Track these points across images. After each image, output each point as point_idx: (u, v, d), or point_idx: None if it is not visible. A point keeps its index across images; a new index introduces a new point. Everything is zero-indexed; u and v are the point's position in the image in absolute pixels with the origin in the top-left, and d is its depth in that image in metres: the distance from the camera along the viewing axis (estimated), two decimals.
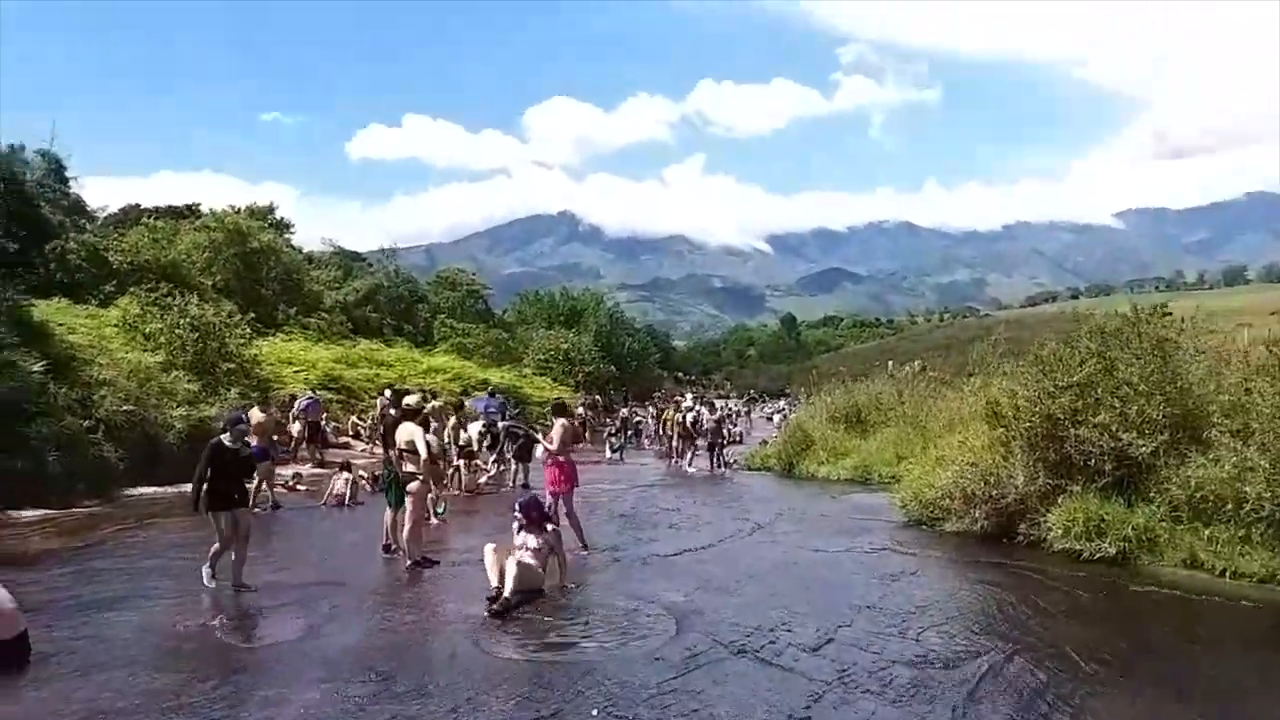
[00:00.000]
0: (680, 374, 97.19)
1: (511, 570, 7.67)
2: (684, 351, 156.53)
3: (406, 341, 42.85)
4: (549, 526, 8.48)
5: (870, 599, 7.79)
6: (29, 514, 14.31)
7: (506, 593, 7.55)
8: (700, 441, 21.17)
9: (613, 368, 50.95)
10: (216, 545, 8.72)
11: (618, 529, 12.51)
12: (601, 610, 7.77)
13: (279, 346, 32.12)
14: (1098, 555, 8.91)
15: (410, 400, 11.93)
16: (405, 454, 11.78)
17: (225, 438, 8.84)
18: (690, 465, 21.02)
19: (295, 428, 22.35)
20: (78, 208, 36.11)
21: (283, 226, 56.02)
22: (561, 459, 10.12)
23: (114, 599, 8.18)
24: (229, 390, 22.56)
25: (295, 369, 29.66)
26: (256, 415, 15.84)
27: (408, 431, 11.59)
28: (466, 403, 22.71)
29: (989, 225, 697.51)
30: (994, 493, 10.09)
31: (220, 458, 8.62)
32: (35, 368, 16.82)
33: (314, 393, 23.80)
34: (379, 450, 17.13)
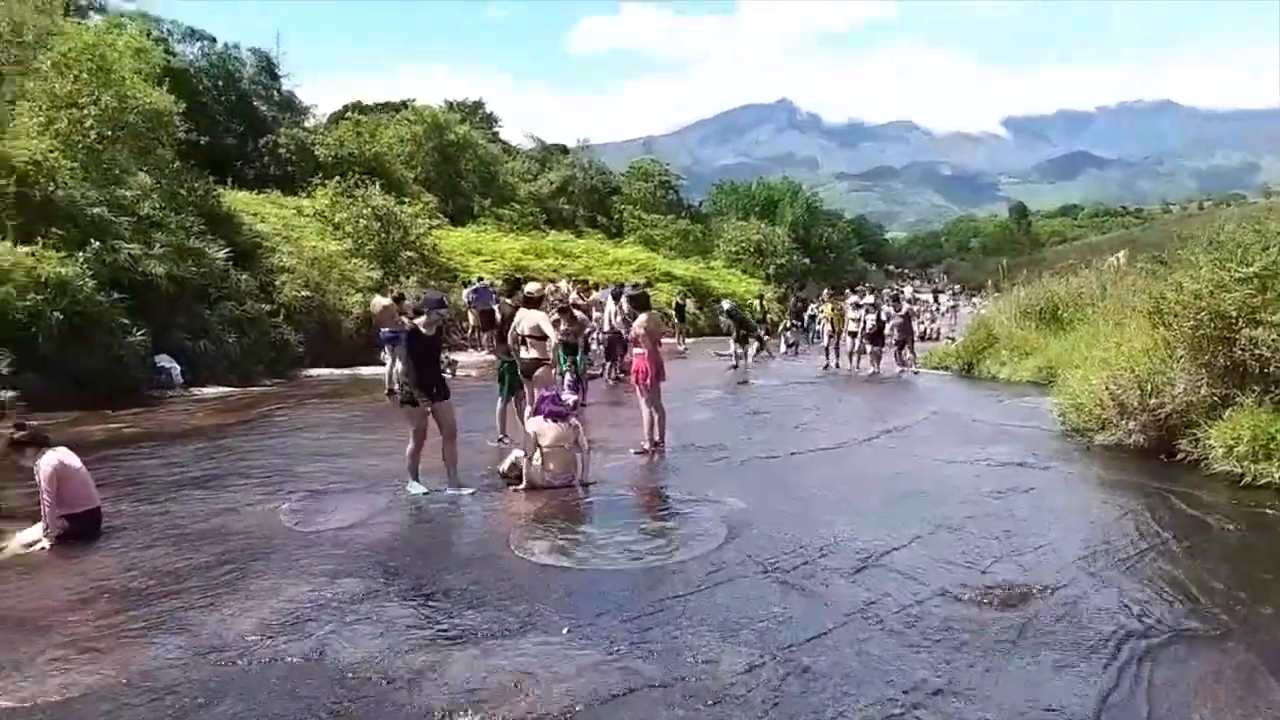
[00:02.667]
0: (891, 267, 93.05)
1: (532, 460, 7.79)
2: (901, 243, 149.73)
3: (599, 233, 43.15)
4: (571, 420, 8.03)
5: (959, 518, 6.84)
6: (210, 391, 15.56)
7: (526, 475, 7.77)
8: (861, 340, 19.79)
9: (807, 260, 49.21)
10: (411, 444, 7.85)
11: (740, 427, 11.93)
12: (656, 514, 7.32)
13: (469, 236, 33.13)
14: (1263, 480, 7.39)
15: (531, 288, 11.73)
16: (530, 340, 11.69)
17: (420, 323, 7.98)
18: (855, 364, 19.77)
19: (471, 316, 23.04)
20: (289, 104, 38.25)
21: (490, 120, 57.55)
22: (645, 351, 9.59)
23: (216, 476, 8.58)
24: (409, 277, 23.51)
25: (483, 258, 30.45)
26: (380, 301, 16.26)
27: (532, 318, 11.45)
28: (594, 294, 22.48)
29: (1266, 103, 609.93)
30: (1150, 402, 8.61)
31: (418, 346, 7.90)
32: (220, 255, 18.04)
33: (481, 279, 24.21)
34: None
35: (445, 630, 4.68)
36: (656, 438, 9.71)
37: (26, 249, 13.75)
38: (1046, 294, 19.42)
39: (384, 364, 18.62)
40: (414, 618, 4.84)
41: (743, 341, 20.37)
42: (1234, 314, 7.86)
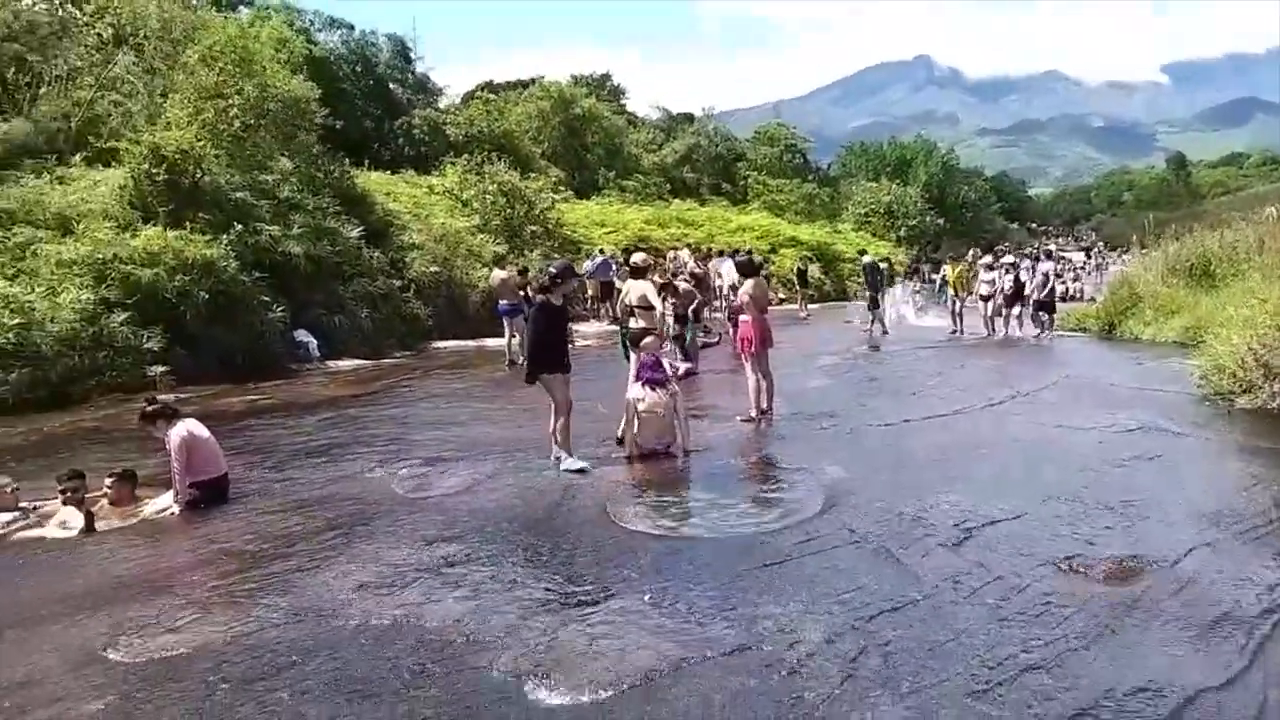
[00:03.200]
0: (1034, 225, 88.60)
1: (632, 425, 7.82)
2: (1046, 199, 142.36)
3: (723, 201, 42.82)
4: (670, 387, 7.95)
5: (1075, 487, 6.46)
6: (345, 363, 16.30)
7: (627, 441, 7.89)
8: (999, 302, 18.70)
9: (941, 220, 47.40)
10: (560, 419, 7.62)
11: (854, 394, 11.65)
12: (753, 482, 7.25)
13: (593, 209, 33.45)
14: None
15: (637, 258, 11.75)
16: (637, 310, 11.75)
17: (551, 297, 7.75)
18: (991, 328, 18.72)
19: (590, 287, 23.32)
20: (422, 86, 39.43)
21: (618, 93, 57.80)
22: (750, 318, 9.44)
23: (339, 445, 9.00)
24: (533, 251, 23.96)
25: (606, 230, 30.71)
26: (499, 274, 16.57)
27: (639, 288, 11.50)
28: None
29: None
30: None
31: (557, 318, 7.80)
32: (353, 233, 18.82)
33: (602, 252, 24.44)
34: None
35: (531, 594, 4.77)
36: (764, 405, 9.58)
37: (175, 233, 14.68)
38: (1197, 249, 18.11)
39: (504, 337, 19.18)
40: (503, 582, 4.96)
41: (873, 304, 19.72)
42: None
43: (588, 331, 20.65)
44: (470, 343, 19.41)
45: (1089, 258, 45.93)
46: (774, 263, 33.18)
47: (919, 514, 5.95)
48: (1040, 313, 18.15)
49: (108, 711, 3.66)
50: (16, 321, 11.89)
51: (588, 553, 5.44)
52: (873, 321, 19.51)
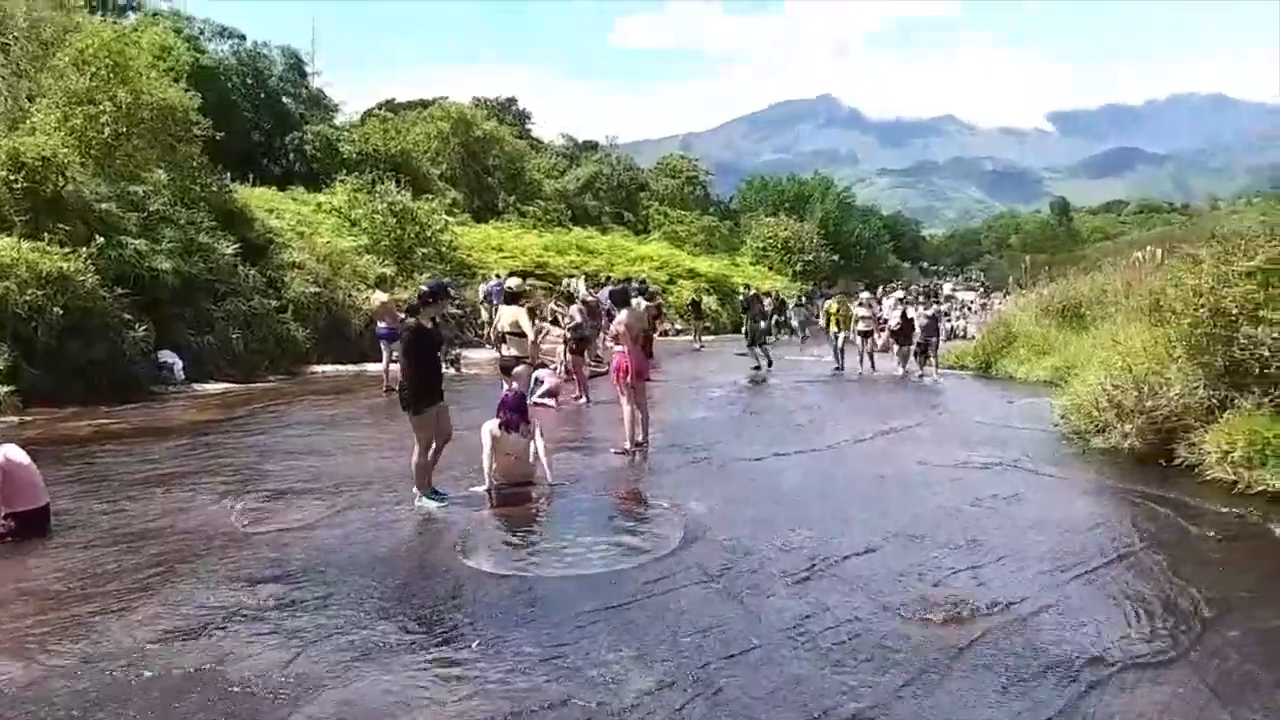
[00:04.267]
0: (924, 264, 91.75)
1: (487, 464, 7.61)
2: (939, 240, 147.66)
3: (624, 230, 42.97)
4: (525, 428, 7.78)
5: (927, 524, 6.50)
6: (212, 387, 15.56)
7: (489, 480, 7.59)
8: (868, 340, 18.89)
9: (836, 257, 48.58)
10: (417, 456, 7.13)
11: (733, 427, 11.65)
12: (614, 519, 7.09)
13: (490, 232, 33.11)
14: (1257, 488, 6.96)
15: (511, 284, 11.55)
16: (509, 336, 11.53)
17: (421, 318, 7.24)
18: (868, 366, 18.93)
19: (484, 311, 22.95)
20: (317, 101, 38.52)
21: (523, 117, 57.68)
22: (625, 349, 9.35)
23: (184, 474, 8.46)
24: (423, 274, 23.43)
25: (504, 255, 30.38)
26: (379, 296, 16.12)
27: (512, 314, 11.30)
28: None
29: None
30: (1147, 404, 8.19)
31: (427, 344, 7.26)
32: (229, 250, 18.05)
33: (499, 276, 24.12)
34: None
35: (351, 642, 4.48)
36: (639, 437, 9.47)
37: (30, 244, 13.80)
38: (1069, 291, 18.90)
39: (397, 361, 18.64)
40: (323, 628, 4.65)
41: (751, 339, 19.37)
42: (1235, 311, 7.43)
43: (480, 359, 20.23)
44: (351, 367, 18.81)
45: (983, 297, 47.62)
46: (671, 293, 33.41)
47: (771, 552, 5.88)
48: (925, 353, 18.37)
49: None
50: None
51: (426, 595, 5.18)
52: (757, 356, 18.97)
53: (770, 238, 45.41)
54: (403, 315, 7.47)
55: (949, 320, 30.76)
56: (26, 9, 19.51)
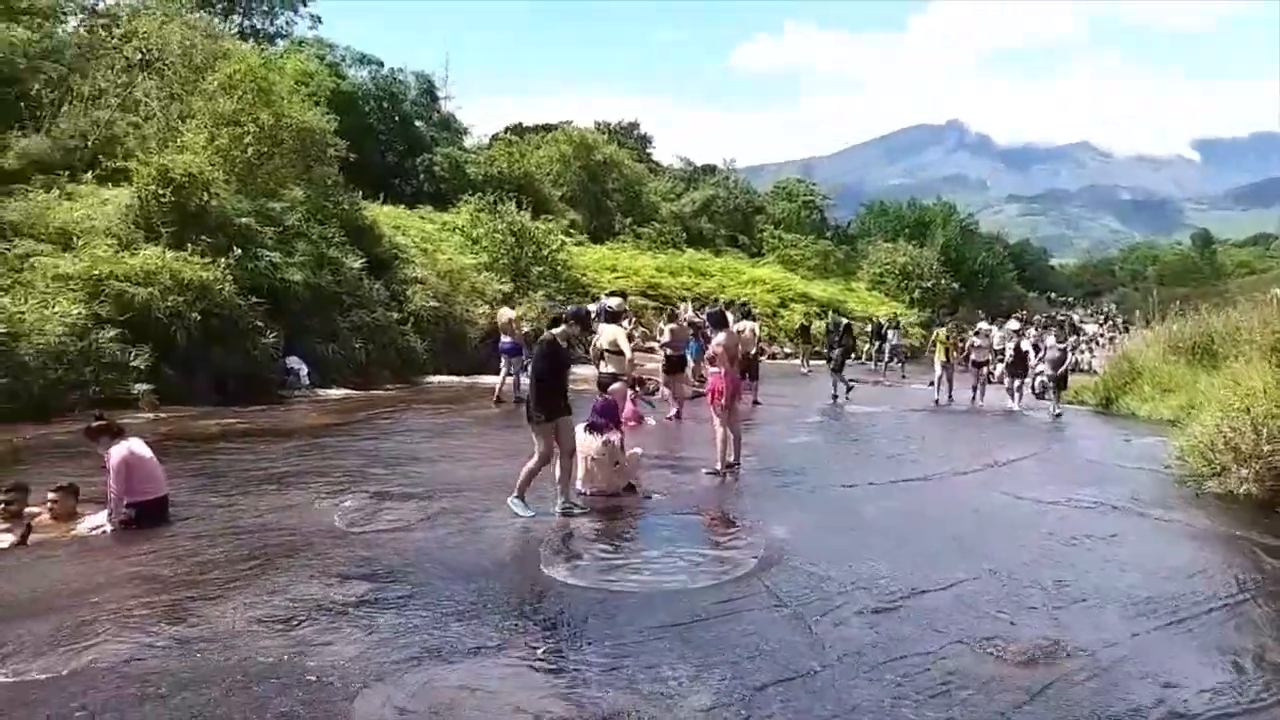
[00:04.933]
0: (1052, 295, 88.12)
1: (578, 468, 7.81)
2: (1070, 270, 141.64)
3: (738, 253, 42.96)
4: (606, 435, 7.88)
5: (1016, 562, 6.31)
6: (334, 392, 16.33)
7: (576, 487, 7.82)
8: (981, 371, 18.06)
9: (956, 284, 47.25)
10: (533, 463, 7.38)
11: (830, 454, 11.55)
12: (696, 538, 7.13)
13: (605, 253, 33.63)
14: None
15: (611, 303, 11.77)
16: (608, 354, 11.77)
17: (557, 333, 7.65)
18: (978, 397, 18.11)
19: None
20: (447, 124, 40.00)
21: (644, 141, 58.59)
22: (721, 370, 9.38)
23: (296, 473, 8.95)
24: (538, 291, 24.06)
25: (617, 275, 30.79)
26: (506, 312, 16.62)
27: (611, 332, 11.53)
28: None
29: None
30: (1264, 447, 7.73)
31: (557, 360, 7.53)
32: (356, 264, 18.97)
33: (604, 298, 24.48)
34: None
35: (425, 640, 4.68)
36: (731, 459, 9.48)
37: (174, 254, 14.85)
38: (1200, 327, 17.93)
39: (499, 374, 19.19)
40: (401, 626, 4.87)
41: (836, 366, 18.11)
42: None
43: (587, 374, 20.56)
44: (464, 379, 19.41)
45: (1110, 330, 45.41)
46: (782, 317, 33.19)
47: (849, 581, 5.82)
48: (1048, 389, 17.48)
49: None
50: (4, 332, 11.99)
51: (502, 601, 5.35)
52: (834, 384, 18.02)
53: (888, 263, 44.56)
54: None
55: (1076, 353, 29.43)
56: (181, 37, 21.08)
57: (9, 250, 14.16)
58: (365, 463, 9.65)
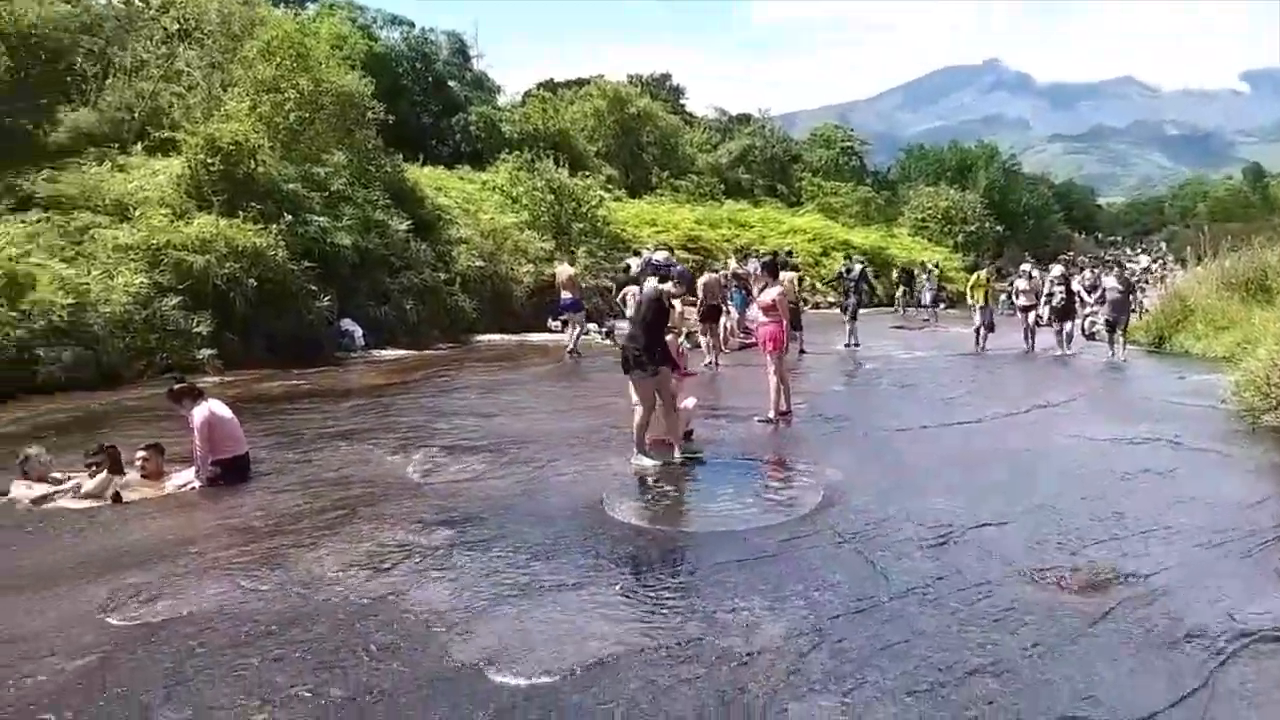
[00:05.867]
0: (1099, 234, 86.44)
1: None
2: (1118, 209, 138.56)
3: (776, 202, 42.66)
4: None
5: (1073, 497, 6.43)
6: (387, 353, 16.74)
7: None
8: (1029, 315, 17.67)
9: (1001, 227, 46.59)
10: (639, 416, 7.47)
11: (879, 399, 11.68)
12: (754, 482, 7.33)
13: (644, 208, 33.59)
14: None
15: (659, 257, 11.90)
16: None
17: (668, 289, 7.73)
18: (1030, 342, 17.76)
19: (631, 290, 23.48)
20: (480, 83, 39.98)
21: (677, 93, 58.04)
22: (776, 319, 9.51)
23: (364, 430, 9.28)
24: (579, 248, 24.19)
25: (656, 229, 30.78)
26: (565, 269, 16.85)
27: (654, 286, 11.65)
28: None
29: None
30: None
31: (664, 312, 7.58)
32: (402, 226, 19.26)
33: (652, 249, 24.56)
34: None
35: (508, 579, 4.95)
36: (784, 407, 9.64)
37: (227, 222, 15.20)
38: (1254, 262, 17.66)
39: (553, 330, 19.50)
40: (485, 567, 5.14)
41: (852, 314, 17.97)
42: None
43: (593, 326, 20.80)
44: (513, 337, 19.75)
45: (1162, 268, 44.46)
46: (824, 266, 33.02)
47: (907, 517, 5.99)
48: (1114, 331, 16.88)
49: (87, 669, 3.91)
50: (71, 302, 12.42)
51: (573, 543, 5.59)
52: (849, 331, 17.77)
53: (929, 208, 44.00)
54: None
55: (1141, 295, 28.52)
56: (219, 5, 21.28)
57: (69, 223, 14.58)
58: (428, 419, 9.96)
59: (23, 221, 14.01)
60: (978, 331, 17.30)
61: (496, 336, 19.73)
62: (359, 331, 16.97)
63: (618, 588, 4.83)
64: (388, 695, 3.69)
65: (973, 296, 17.86)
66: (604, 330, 18.92)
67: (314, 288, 16.08)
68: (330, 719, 3.52)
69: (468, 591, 4.77)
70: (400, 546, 5.48)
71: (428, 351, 17.27)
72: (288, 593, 4.77)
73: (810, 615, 4.46)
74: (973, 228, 43.82)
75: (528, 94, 45.25)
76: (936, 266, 29.89)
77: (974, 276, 18.41)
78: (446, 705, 3.61)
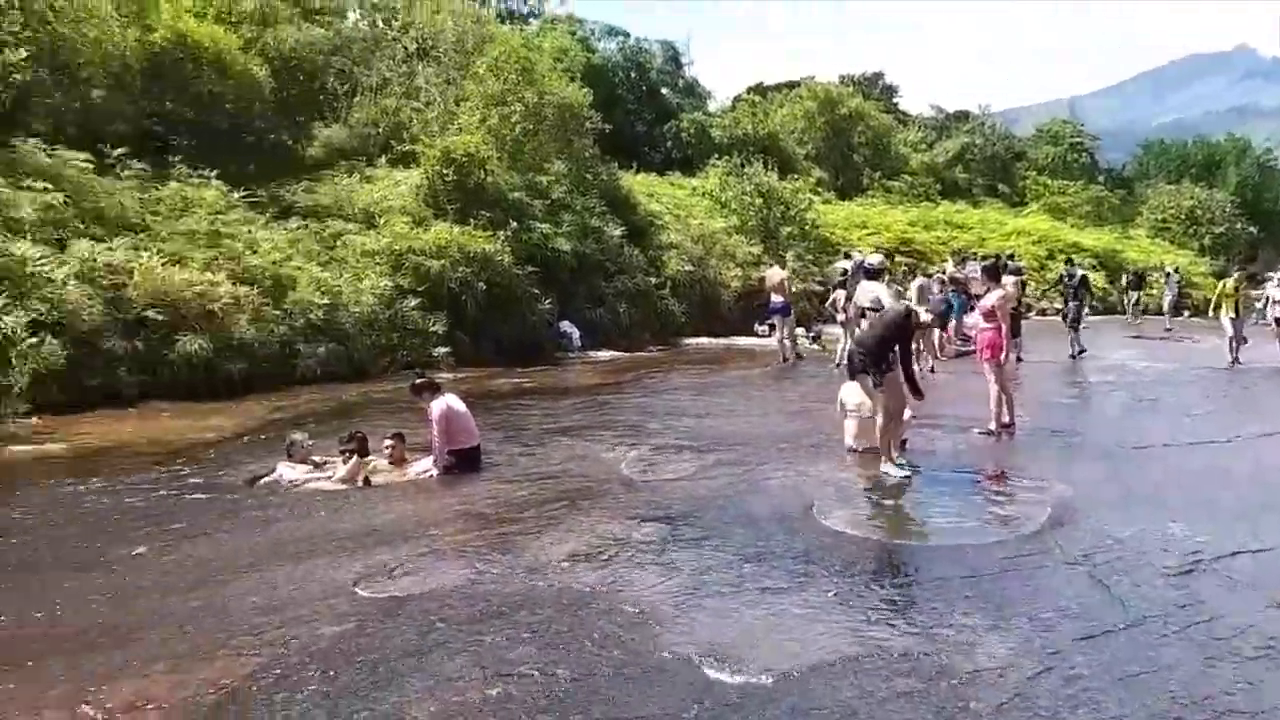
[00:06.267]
0: None
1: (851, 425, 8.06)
2: None
3: (997, 203, 40.64)
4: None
5: None
6: (602, 354, 17.40)
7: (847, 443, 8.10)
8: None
9: (1253, 229, 42.13)
10: (882, 422, 7.43)
11: (1113, 413, 10.94)
12: (977, 494, 7.06)
13: (854, 210, 32.95)
14: None
15: (873, 260, 11.66)
16: (869, 312, 11.69)
17: (923, 313, 8.38)
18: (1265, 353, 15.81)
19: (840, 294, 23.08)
20: (691, 90, 40.52)
21: (890, 91, 56.50)
22: (997, 325, 9.08)
23: (582, 427, 9.73)
24: (787, 252, 24.06)
25: (868, 231, 30.16)
26: (778, 273, 16.80)
27: (872, 290, 11.44)
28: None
29: None
30: None
31: (908, 326, 7.68)
32: (616, 232, 19.92)
33: (859, 252, 24.08)
34: None
35: (720, 578, 5.05)
36: (1006, 419, 9.21)
37: (460, 229, 16.29)
38: None
39: (760, 335, 19.54)
40: (697, 565, 5.27)
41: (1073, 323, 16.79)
42: None
43: (837, 333, 20.50)
44: (720, 340, 19.96)
45: None
46: (1050, 270, 31.12)
47: (1144, 540, 5.61)
48: None
49: (343, 634, 4.35)
50: (325, 302, 13.71)
51: (786, 546, 5.61)
52: (1071, 341, 16.53)
53: (1171, 208, 40.40)
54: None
55: None
56: (453, 25, 22.79)
57: (324, 230, 16.09)
58: (641, 418, 10.27)
59: (285, 229, 15.57)
60: (1231, 343, 15.67)
61: (704, 340, 20.01)
62: (576, 333, 17.71)
63: (830, 594, 4.82)
64: (609, 680, 3.88)
65: (1221, 306, 16.10)
66: (811, 335, 18.72)
67: (536, 291, 16.96)
68: (558, 698, 3.74)
69: (681, 587, 4.92)
70: (617, 539, 5.71)
71: (639, 353, 17.77)
72: (516, 577, 5.09)
73: (1037, 638, 4.28)
74: (1221, 229, 39.89)
75: (737, 99, 45.36)
76: (1176, 270, 27.43)
77: (1221, 285, 16.65)
78: (664, 695, 3.75)
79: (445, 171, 17.48)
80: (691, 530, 5.91)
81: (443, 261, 15.52)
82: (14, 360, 9.77)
